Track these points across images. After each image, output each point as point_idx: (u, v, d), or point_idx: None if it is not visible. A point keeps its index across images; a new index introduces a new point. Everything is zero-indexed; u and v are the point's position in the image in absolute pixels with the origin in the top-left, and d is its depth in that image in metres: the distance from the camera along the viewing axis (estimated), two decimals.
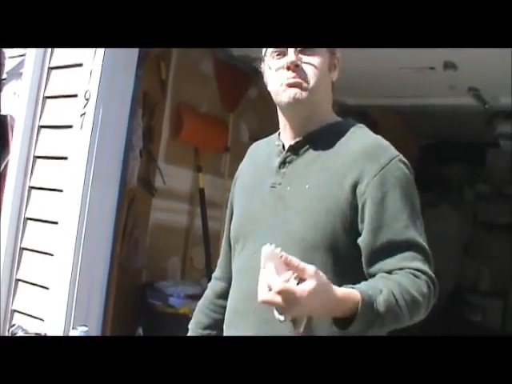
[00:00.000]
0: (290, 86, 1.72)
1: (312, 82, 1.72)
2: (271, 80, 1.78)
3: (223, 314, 1.91)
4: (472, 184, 7.30)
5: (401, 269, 1.58)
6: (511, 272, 6.66)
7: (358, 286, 1.50)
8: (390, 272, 1.58)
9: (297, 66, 1.71)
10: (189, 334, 2.03)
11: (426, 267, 1.59)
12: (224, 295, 1.94)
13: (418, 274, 1.57)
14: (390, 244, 1.60)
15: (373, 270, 1.61)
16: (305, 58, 1.72)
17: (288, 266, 1.39)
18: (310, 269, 1.39)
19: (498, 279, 6.84)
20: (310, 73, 1.72)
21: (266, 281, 1.39)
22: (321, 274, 1.41)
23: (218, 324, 1.96)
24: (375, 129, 1.81)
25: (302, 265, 1.39)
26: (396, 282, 1.53)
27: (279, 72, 1.74)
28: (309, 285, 1.37)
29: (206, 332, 1.99)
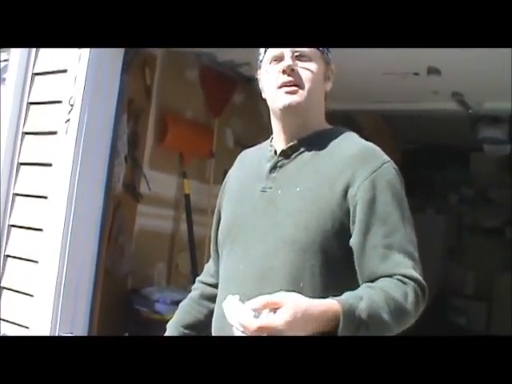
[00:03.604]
0: (287, 92, 1.76)
1: (307, 85, 1.76)
2: (267, 83, 1.83)
3: (206, 316, 1.94)
4: (456, 188, 7.34)
5: (390, 275, 1.58)
6: (495, 275, 6.71)
7: (338, 297, 1.50)
8: (379, 278, 1.59)
9: (292, 70, 1.75)
10: (167, 332, 2.02)
11: (414, 273, 1.60)
12: (211, 298, 1.96)
13: (406, 280, 1.57)
14: (379, 247, 1.61)
15: (365, 274, 1.62)
16: (300, 64, 1.77)
17: (258, 307, 1.40)
18: (280, 297, 1.41)
19: (483, 282, 6.87)
20: (306, 77, 1.77)
21: (240, 324, 1.40)
22: (293, 297, 1.43)
23: (199, 325, 1.98)
24: (360, 134, 1.83)
25: (271, 298, 1.41)
26: (379, 289, 1.54)
27: (275, 76, 1.78)
28: (282, 313, 1.39)
29: (187, 331, 1.99)
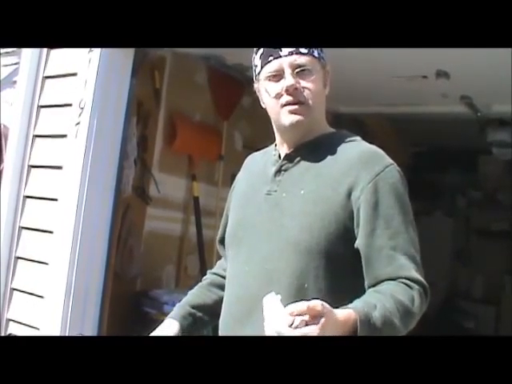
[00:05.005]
0: (291, 111, 1.76)
1: (310, 101, 1.76)
2: (269, 103, 1.82)
3: (214, 302, 1.97)
4: (465, 191, 7.32)
5: (396, 278, 1.60)
6: (504, 278, 6.70)
7: (352, 305, 1.52)
8: (385, 280, 1.61)
9: (296, 88, 1.75)
10: (173, 311, 2.04)
11: (418, 276, 1.62)
12: (220, 286, 1.98)
13: (411, 283, 1.60)
14: (385, 249, 1.63)
15: (371, 275, 1.64)
16: (302, 81, 1.76)
17: (296, 313, 1.39)
18: (318, 305, 1.39)
19: (491, 286, 6.85)
20: (308, 93, 1.76)
21: (276, 330, 1.40)
22: (326, 305, 1.41)
23: (206, 307, 2.00)
24: (368, 136, 1.85)
25: (311, 305, 1.39)
26: (389, 295, 1.56)
27: (278, 95, 1.77)
28: (320, 323, 1.37)
29: (193, 310, 1.99)
